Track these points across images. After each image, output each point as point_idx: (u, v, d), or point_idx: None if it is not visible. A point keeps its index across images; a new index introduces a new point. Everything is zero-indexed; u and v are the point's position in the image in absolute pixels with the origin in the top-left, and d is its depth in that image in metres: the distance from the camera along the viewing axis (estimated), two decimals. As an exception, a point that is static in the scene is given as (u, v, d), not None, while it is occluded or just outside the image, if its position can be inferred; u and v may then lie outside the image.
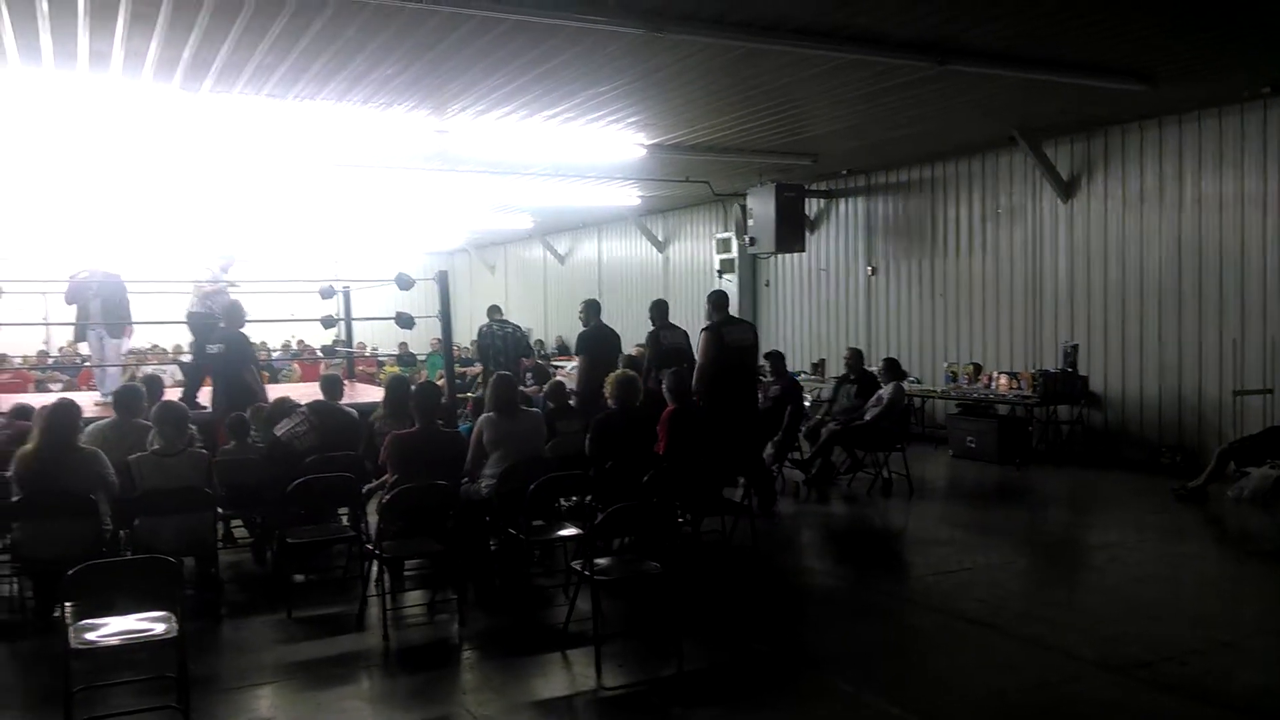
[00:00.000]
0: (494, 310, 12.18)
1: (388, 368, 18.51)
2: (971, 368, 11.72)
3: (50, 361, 16.73)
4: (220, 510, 6.48)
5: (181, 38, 6.82)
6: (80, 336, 11.34)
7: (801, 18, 6.72)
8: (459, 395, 10.74)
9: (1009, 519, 8.63)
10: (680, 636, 5.03)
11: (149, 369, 12.83)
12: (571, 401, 8.08)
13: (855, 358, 10.14)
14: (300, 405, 7.53)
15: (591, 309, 9.65)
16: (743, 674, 4.94)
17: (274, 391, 9.23)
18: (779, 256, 14.94)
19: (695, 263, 17.53)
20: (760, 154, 11.80)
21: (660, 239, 18.38)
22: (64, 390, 12.69)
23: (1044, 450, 10.76)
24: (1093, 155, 10.77)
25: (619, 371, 7.43)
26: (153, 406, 6.53)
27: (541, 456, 6.59)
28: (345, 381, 9.37)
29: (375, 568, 6.04)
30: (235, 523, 7.42)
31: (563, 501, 7.02)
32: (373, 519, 6.19)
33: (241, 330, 8.95)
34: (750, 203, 13.54)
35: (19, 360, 16.00)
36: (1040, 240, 11.39)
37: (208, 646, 5.39)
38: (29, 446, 5.60)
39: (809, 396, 10.90)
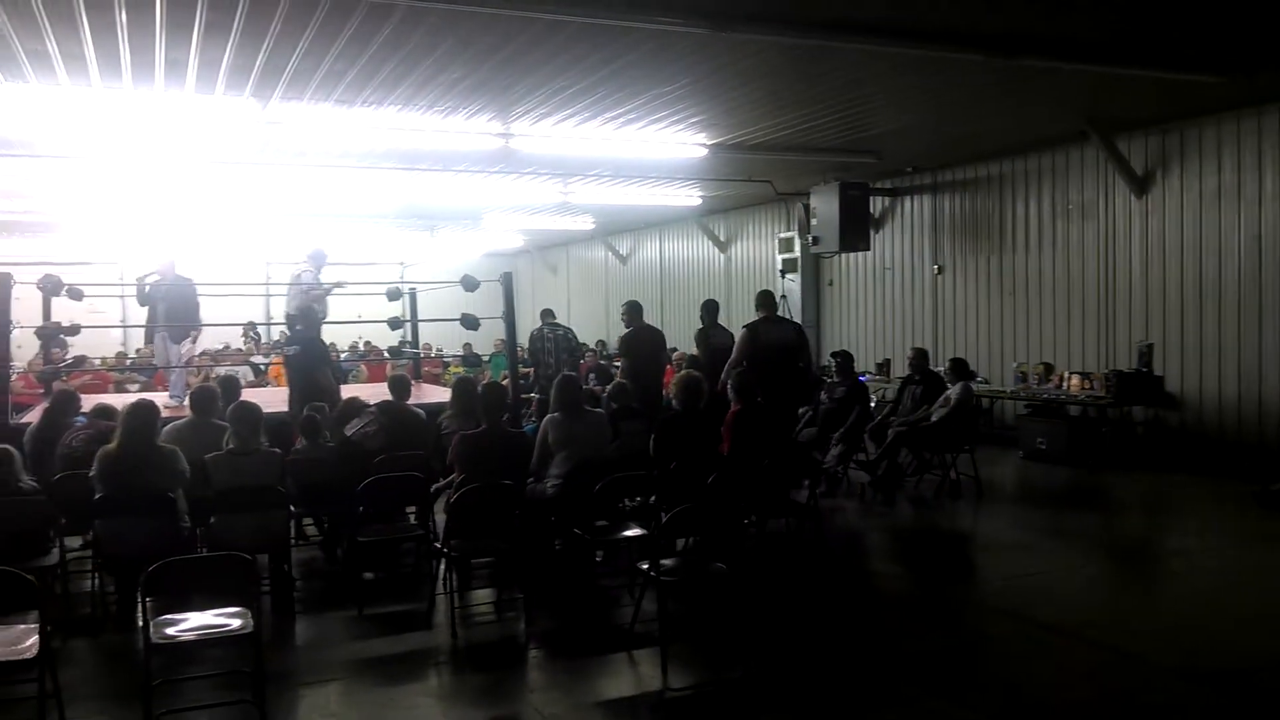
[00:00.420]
0: (547, 314, 12.29)
1: (452, 368, 18.74)
2: (1042, 367, 11.48)
3: (128, 363, 17.21)
4: (292, 508, 6.60)
5: (255, 44, 6.96)
6: (149, 339, 11.60)
7: (871, 15, 6.64)
8: (523, 396, 10.82)
9: (1082, 523, 8.43)
10: (746, 639, 5.00)
11: (224, 370, 13.14)
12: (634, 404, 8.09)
13: (920, 358, 10.00)
14: (370, 405, 7.65)
15: (633, 310, 9.76)
16: (809, 677, 4.90)
17: (343, 392, 9.38)
18: (843, 255, 14.78)
19: (757, 263, 17.43)
20: (823, 152, 11.69)
21: (722, 239, 18.32)
22: (141, 391, 13.04)
23: (1117, 452, 10.49)
24: (1168, 149, 10.48)
25: (683, 373, 7.41)
26: (228, 407, 6.67)
27: (606, 457, 6.60)
28: (412, 382, 9.49)
29: (443, 566, 6.12)
30: (306, 520, 7.56)
31: (626, 502, 7.03)
32: (440, 518, 6.25)
33: (315, 333, 9.12)
34: (813, 201, 13.42)
35: (98, 361, 16.48)
36: (1113, 237, 11.12)
37: (282, 642, 5.51)
38: (110, 446, 5.75)
39: (874, 397, 10.78)
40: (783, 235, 16.01)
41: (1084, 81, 8.48)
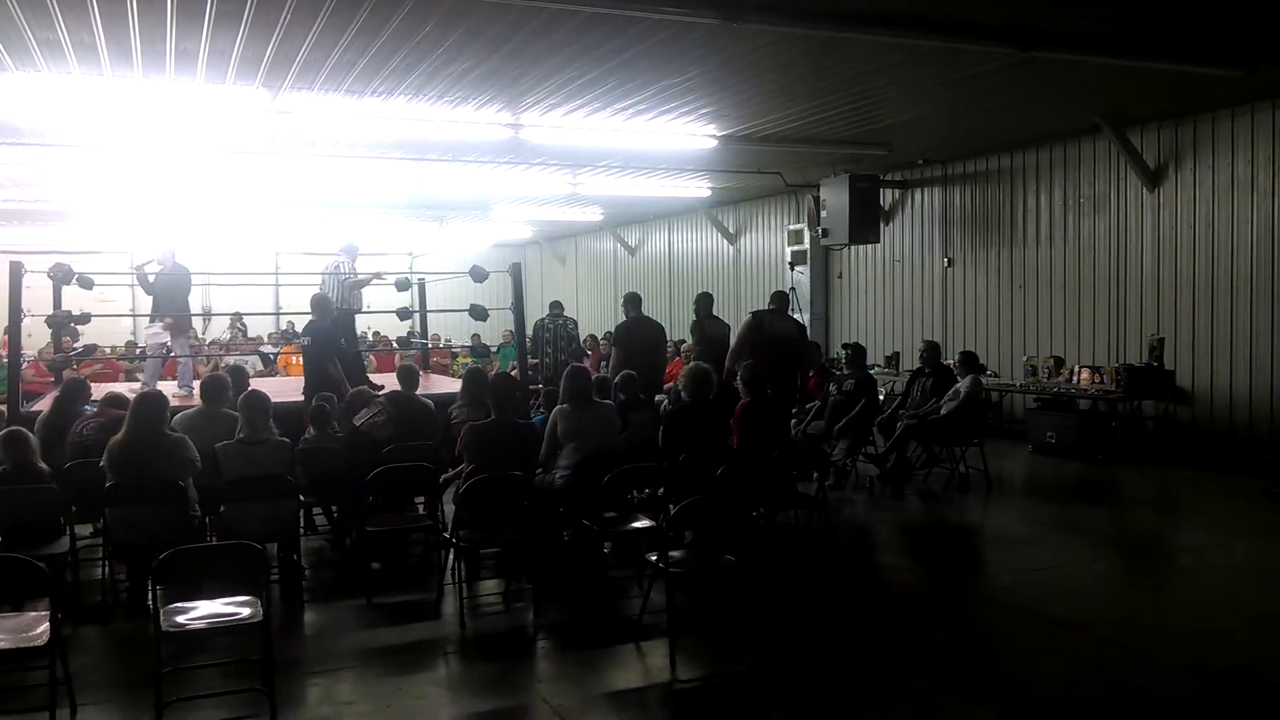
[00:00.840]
0: (555, 306, 12.41)
1: (460, 359, 18.75)
2: (1052, 361, 11.44)
3: (138, 352, 17.26)
4: (301, 498, 6.61)
5: (266, 34, 6.95)
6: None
7: (885, 6, 6.60)
8: (531, 387, 10.83)
9: (1091, 517, 8.39)
10: (755, 631, 5.00)
11: (233, 359, 13.16)
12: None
13: (930, 351, 9.96)
14: (378, 396, 7.66)
15: (631, 302, 10.07)
16: (818, 670, 4.90)
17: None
18: (852, 248, 14.74)
19: (766, 255, 17.39)
20: (834, 144, 11.64)
21: (731, 231, 18.28)
22: (156, 378, 13.04)
23: (1127, 446, 10.45)
24: (1180, 142, 10.41)
25: (692, 364, 7.40)
26: (238, 396, 6.68)
27: (615, 448, 6.60)
28: (420, 372, 9.50)
29: (451, 556, 6.13)
30: (315, 510, 7.58)
31: (635, 493, 7.03)
32: (449, 508, 6.26)
33: (328, 323, 9.13)
34: (823, 194, 13.37)
35: (108, 350, 16.53)
36: (1125, 230, 11.06)
37: (290, 631, 5.53)
38: (120, 435, 5.77)
39: (882, 390, 10.76)
40: (792, 227, 15.97)
41: (1097, 74, 8.43)
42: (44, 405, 8.33)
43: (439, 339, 19.50)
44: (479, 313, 10.57)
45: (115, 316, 11.03)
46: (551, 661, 5.19)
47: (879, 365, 13.50)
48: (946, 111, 10.11)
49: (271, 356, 17.55)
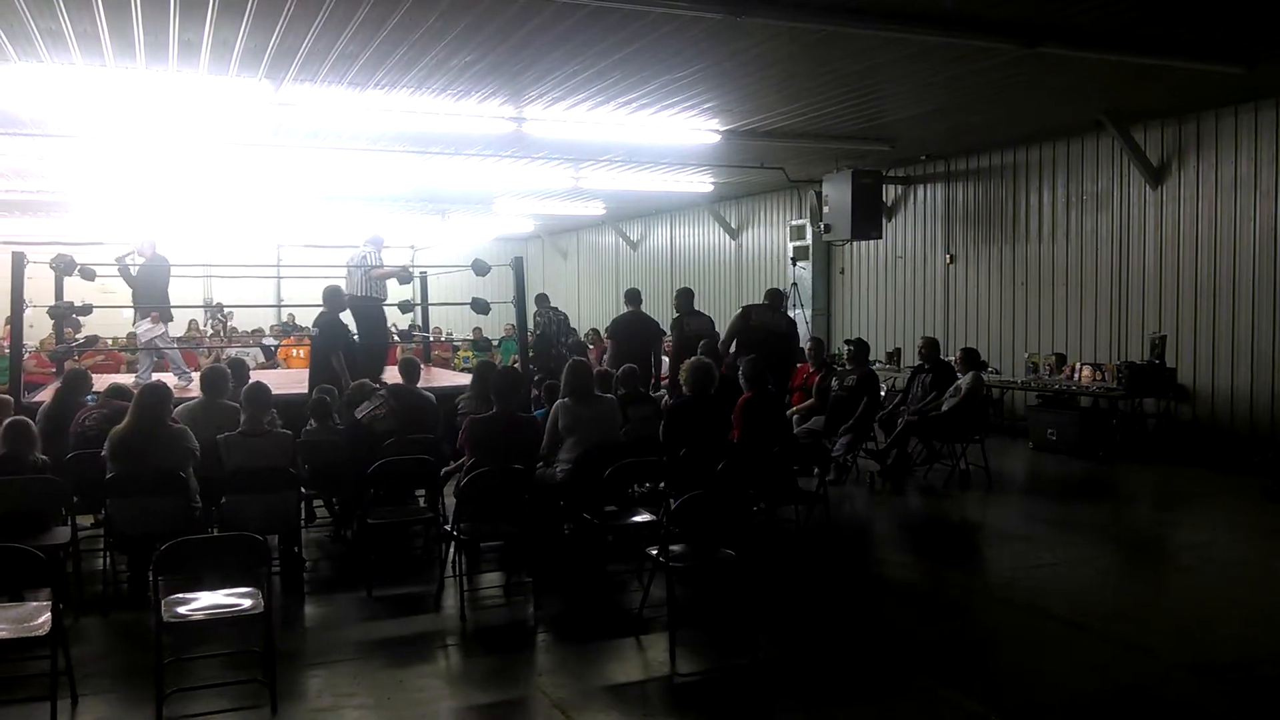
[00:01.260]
0: (541, 299, 12.51)
1: (462, 352, 18.77)
2: (1053, 358, 11.44)
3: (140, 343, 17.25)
4: (303, 490, 6.62)
5: (269, 25, 6.94)
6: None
7: (890, 0, 6.59)
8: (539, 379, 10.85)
9: (1092, 514, 8.40)
10: (755, 625, 5.00)
11: (233, 351, 13.16)
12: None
13: (930, 347, 9.95)
14: (379, 388, 7.66)
15: (630, 296, 10.32)
16: (818, 664, 4.90)
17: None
18: (854, 244, 14.73)
19: (768, 250, 17.39)
20: (837, 140, 11.63)
21: (733, 226, 18.27)
22: (151, 371, 13.06)
23: (1128, 444, 10.45)
24: (1184, 140, 10.40)
25: (694, 359, 7.40)
26: (240, 388, 6.68)
27: (616, 442, 6.60)
28: (422, 366, 9.49)
29: (452, 549, 6.13)
30: (316, 502, 7.58)
31: (636, 487, 7.03)
32: (450, 501, 6.27)
33: (337, 315, 9.12)
34: (826, 189, 13.35)
35: (110, 341, 16.53)
36: (1127, 227, 11.05)
37: (291, 622, 5.54)
38: (121, 426, 5.78)
39: (884, 386, 10.75)
40: (794, 222, 15.96)
41: (1102, 71, 8.41)
42: (45, 396, 8.33)
43: (440, 332, 19.51)
44: (480, 306, 10.58)
45: (117, 308, 11.02)
46: (551, 654, 5.20)
47: (880, 361, 13.49)
48: (950, 107, 10.09)
49: (273, 349, 17.57)
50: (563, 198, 17.70)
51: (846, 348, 10.18)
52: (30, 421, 6.05)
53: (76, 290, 10.57)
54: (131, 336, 17.90)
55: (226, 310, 19.74)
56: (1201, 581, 6.34)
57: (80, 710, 4.33)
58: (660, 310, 10.70)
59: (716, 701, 4.55)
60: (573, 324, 13.37)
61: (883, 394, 10.26)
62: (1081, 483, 9.59)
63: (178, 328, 17.12)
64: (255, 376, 8.21)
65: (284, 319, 21.21)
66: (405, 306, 12.40)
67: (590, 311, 22.40)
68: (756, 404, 7.12)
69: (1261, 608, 5.74)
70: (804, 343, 10.82)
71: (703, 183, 15.84)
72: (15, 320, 8.91)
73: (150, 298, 10.50)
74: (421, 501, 6.94)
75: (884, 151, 12.35)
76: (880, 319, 14.82)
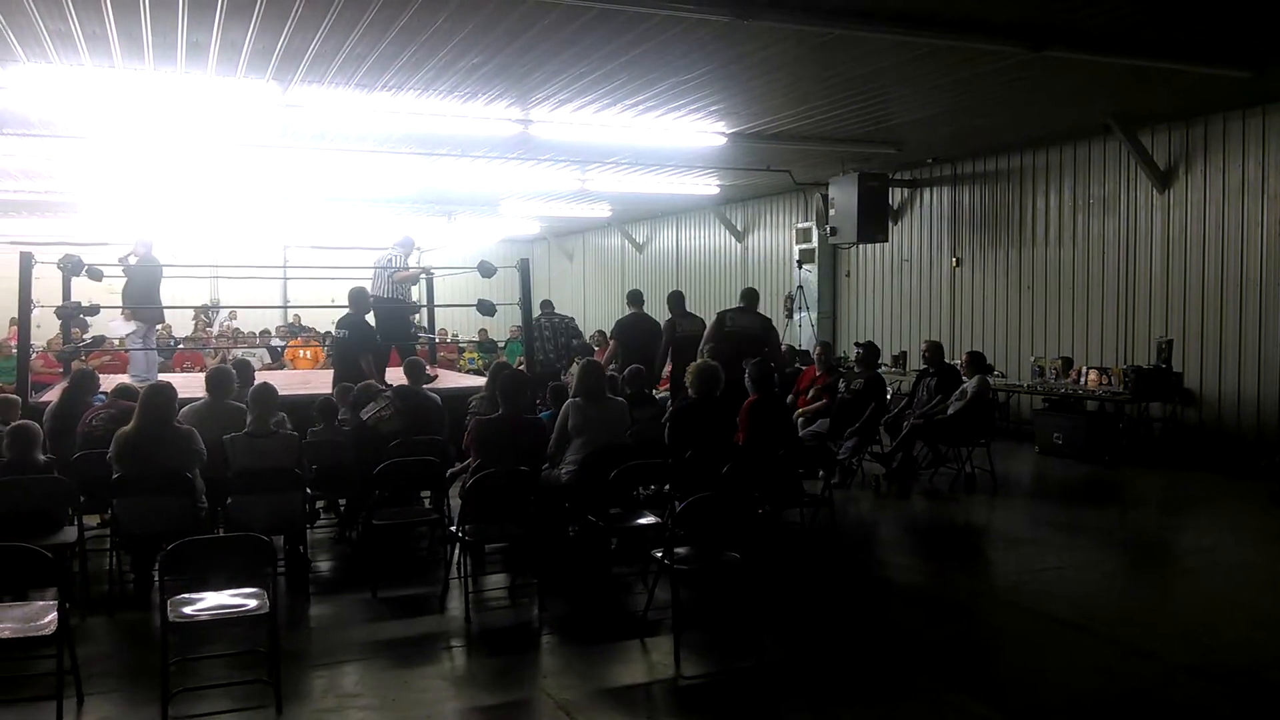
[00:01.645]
0: (546, 305, 12.52)
1: (467, 354, 18.78)
2: (1060, 362, 11.42)
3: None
4: (309, 490, 6.63)
5: (277, 27, 6.96)
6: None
7: (897, 3, 6.59)
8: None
9: (1098, 518, 8.38)
10: (760, 628, 5.00)
11: (239, 352, 13.18)
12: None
13: (934, 351, 9.95)
14: (385, 389, 7.67)
15: (633, 298, 10.44)
16: (823, 667, 4.90)
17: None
18: (860, 247, 14.71)
19: (774, 252, 17.38)
20: (843, 143, 11.63)
21: (739, 228, 18.26)
22: (159, 371, 13.08)
23: (1134, 448, 10.43)
24: (1191, 144, 10.37)
25: (700, 361, 7.40)
26: (247, 389, 6.70)
27: (623, 444, 6.60)
28: (428, 367, 9.50)
29: (457, 550, 6.14)
30: (320, 502, 7.59)
31: (641, 489, 7.03)
32: (455, 502, 6.27)
33: (363, 317, 9.15)
34: (832, 192, 13.35)
35: (117, 341, 16.58)
36: (1134, 231, 11.03)
37: (297, 623, 5.54)
38: (128, 427, 5.79)
39: (890, 390, 10.73)
40: (800, 225, 15.96)
41: (1109, 74, 8.41)
42: (52, 396, 8.36)
43: (446, 333, 19.52)
44: (486, 308, 10.59)
45: (123, 308, 11.08)
46: (556, 656, 5.20)
47: (885, 364, 13.47)
48: (956, 110, 10.08)
49: (279, 350, 17.60)
50: (569, 200, 17.70)
51: (856, 350, 10.16)
52: (34, 424, 6.05)
53: (84, 290, 10.61)
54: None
55: (230, 311, 19.77)
56: (1207, 585, 6.33)
57: (86, 709, 4.33)
58: (666, 313, 10.69)
59: (721, 704, 4.55)
60: (579, 326, 13.39)
61: (889, 397, 10.24)
62: (1087, 487, 9.57)
63: (179, 329, 17.19)
64: (261, 378, 8.22)
65: (290, 320, 21.23)
66: (411, 308, 12.41)
67: (596, 314, 22.40)
68: (762, 407, 7.12)
69: (1267, 612, 5.72)
70: (811, 346, 10.82)
71: (709, 185, 15.84)
72: (23, 320, 8.95)
73: (132, 297, 10.51)
74: (427, 503, 6.95)
75: (890, 154, 12.34)
76: (886, 322, 14.80)
